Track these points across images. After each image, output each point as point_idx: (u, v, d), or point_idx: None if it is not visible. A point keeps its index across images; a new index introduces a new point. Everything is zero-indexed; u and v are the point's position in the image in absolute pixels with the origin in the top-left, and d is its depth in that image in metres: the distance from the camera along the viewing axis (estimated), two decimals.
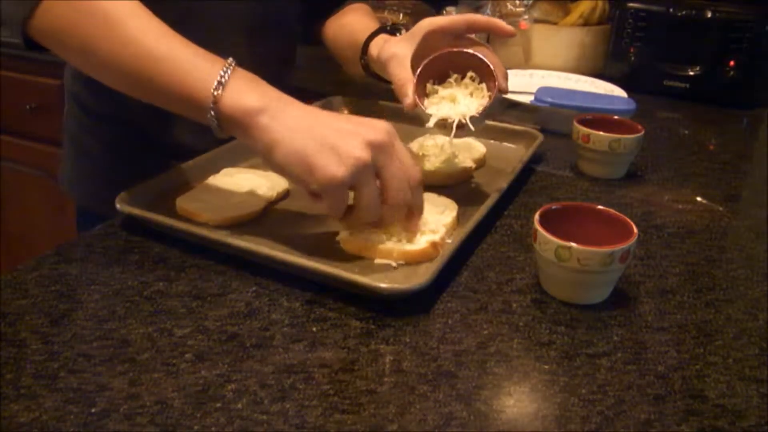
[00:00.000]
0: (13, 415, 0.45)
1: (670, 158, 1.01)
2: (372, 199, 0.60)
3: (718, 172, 0.96)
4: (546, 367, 0.52)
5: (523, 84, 1.27)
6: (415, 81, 0.74)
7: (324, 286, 0.60)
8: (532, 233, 0.61)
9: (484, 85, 0.76)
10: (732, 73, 1.27)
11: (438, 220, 0.68)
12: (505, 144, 0.97)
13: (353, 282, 0.58)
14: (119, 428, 0.44)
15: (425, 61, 0.75)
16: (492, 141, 0.96)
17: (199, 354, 0.51)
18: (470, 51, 0.74)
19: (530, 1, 1.40)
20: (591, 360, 0.53)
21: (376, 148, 0.58)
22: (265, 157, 0.60)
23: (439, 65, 0.76)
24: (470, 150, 0.89)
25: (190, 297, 0.59)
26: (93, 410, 0.45)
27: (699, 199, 0.86)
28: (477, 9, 1.46)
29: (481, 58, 0.73)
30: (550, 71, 1.36)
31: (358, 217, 0.61)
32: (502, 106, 1.19)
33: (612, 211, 0.63)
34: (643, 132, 0.87)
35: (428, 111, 0.74)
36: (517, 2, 1.40)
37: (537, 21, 1.41)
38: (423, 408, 0.47)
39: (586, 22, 1.41)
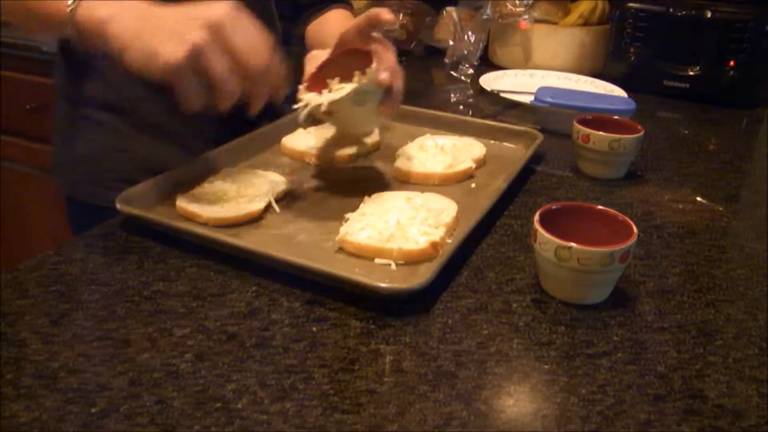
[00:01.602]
0: (13, 415, 0.45)
1: (670, 158, 1.01)
2: (222, 74, 0.60)
3: (718, 172, 0.96)
4: (546, 367, 0.52)
5: (523, 84, 1.27)
6: (309, 77, 0.76)
7: (324, 286, 0.60)
8: (532, 233, 0.61)
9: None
10: (732, 73, 1.27)
11: (438, 220, 0.68)
12: (505, 144, 0.97)
13: (353, 282, 0.58)
14: (119, 428, 0.44)
15: (322, 61, 0.77)
16: (492, 141, 0.96)
17: (199, 354, 0.51)
18: (360, 48, 0.74)
19: (530, 1, 1.40)
20: (591, 360, 0.53)
21: (214, 26, 0.60)
22: (122, 63, 0.62)
23: (348, 64, 0.75)
24: (470, 150, 0.89)
25: (190, 297, 0.59)
26: (93, 410, 0.45)
27: (699, 199, 0.86)
28: (477, 9, 1.46)
29: (372, 54, 0.73)
30: (550, 71, 1.36)
31: (220, 98, 0.62)
32: (502, 106, 1.19)
33: (612, 211, 0.63)
34: (643, 132, 0.87)
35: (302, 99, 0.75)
36: (517, 2, 1.40)
37: (537, 21, 1.41)
38: (423, 408, 0.47)
39: (586, 22, 1.41)
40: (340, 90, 0.72)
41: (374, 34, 0.77)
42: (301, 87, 0.76)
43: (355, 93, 0.70)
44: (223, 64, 0.61)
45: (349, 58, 0.75)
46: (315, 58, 0.80)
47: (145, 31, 0.61)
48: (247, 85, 0.63)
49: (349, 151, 0.88)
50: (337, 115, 0.74)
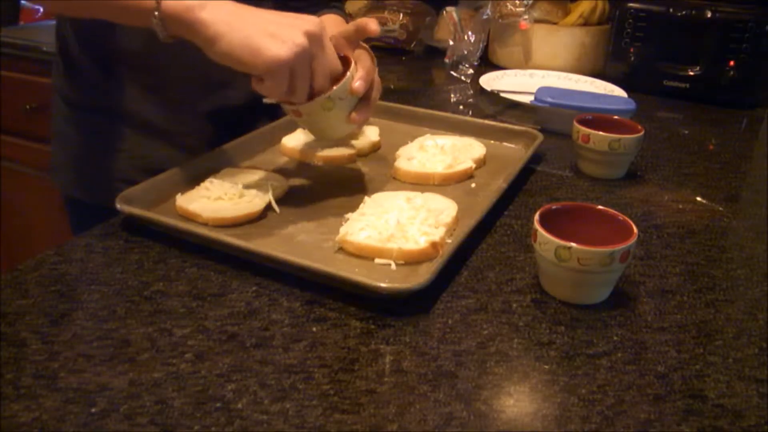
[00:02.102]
0: (13, 415, 0.45)
1: (670, 158, 1.01)
2: (305, 83, 0.67)
3: (718, 172, 0.96)
4: (546, 367, 0.52)
5: (523, 84, 1.27)
6: None
7: (324, 286, 0.60)
8: (532, 233, 0.61)
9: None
10: (732, 73, 1.27)
11: (438, 220, 0.68)
12: (505, 144, 0.97)
13: (353, 282, 0.58)
14: (119, 428, 0.44)
15: None
16: (492, 141, 0.96)
17: (199, 354, 0.51)
18: (343, 55, 0.74)
19: (530, 1, 1.40)
20: (591, 360, 0.53)
21: (312, 37, 0.65)
22: (209, 49, 0.65)
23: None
24: (470, 150, 0.89)
25: (190, 297, 0.59)
26: (93, 410, 0.45)
27: (699, 199, 0.86)
28: (477, 9, 1.46)
29: (350, 61, 0.74)
30: (550, 71, 1.36)
31: (288, 100, 0.68)
32: (502, 106, 1.19)
33: (612, 211, 0.63)
34: (643, 132, 0.87)
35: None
36: (517, 2, 1.40)
37: (537, 21, 1.41)
38: (423, 408, 0.47)
39: (586, 22, 1.41)
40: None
41: (362, 42, 0.77)
42: None
43: (326, 98, 0.70)
44: (308, 76, 0.66)
45: None
46: None
47: (244, 25, 0.64)
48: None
49: (349, 151, 0.87)
50: (306, 117, 0.75)
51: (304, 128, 0.86)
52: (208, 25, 0.64)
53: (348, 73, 0.71)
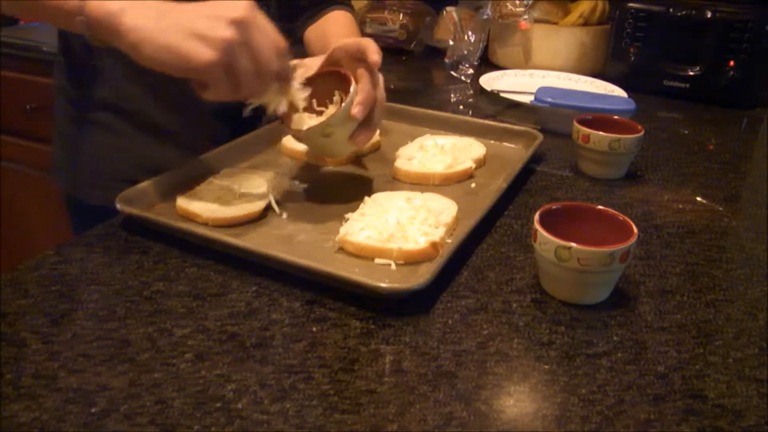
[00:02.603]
0: (13, 415, 0.45)
1: (670, 158, 1.01)
2: (248, 71, 0.62)
3: (718, 172, 0.96)
4: (546, 367, 0.52)
5: (523, 84, 1.27)
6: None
7: (324, 286, 0.60)
8: (532, 233, 0.61)
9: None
10: (732, 73, 1.27)
11: (438, 220, 0.68)
12: (505, 144, 0.97)
13: (353, 282, 0.58)
14: (119, 428, 0.44)
15: (303, 80, 0.75)
16: (492, 141, 0.96)
17: (199, 354, 0.51)
18: (339, 70, 0.74)
19: (530, 1, 1.40)
20: (591, 360, 0.53)
21: (240, 24, 0.61)
22: (135, 57, 0.63)
23: (331, 83, 0.75)
24: (470, 150, 0.89)
25: (190, 297, 0.59)
26: (93, 410, 0.45)
27: (699, 199, 0.86)
28: (477, 9, 1.46)
29: (351, 83, 0.72)
30: (550, 71, 1.36)
31: (239, 93, 0.64)
32: (502, 106, 1.19)
33: (612, 211, 0.63)
34: (643, 132, 0.87)
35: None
36: (517, 2, 1.40)
37: (537, 21, 1.41)
38: (423, 408, 0.47)
39: (586, 22, 1.41)
40: (317, 117, 0.72)
41: (372, 56, 0.75)
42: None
43: (324, 125, 0.70)
44: (249, 62, 0.62)
45: (332, 76, 0.75)
46: (303, 67, 0.78)
47: (166, 27, 0.61)
48: (262, 80, 0.65)
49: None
50: (306, 141, 0.75)
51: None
52: (129, 30, 0.62)
53: (348, 98, 0.70)
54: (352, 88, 0.71)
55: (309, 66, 0.78)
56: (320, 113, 0.76)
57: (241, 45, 0.61)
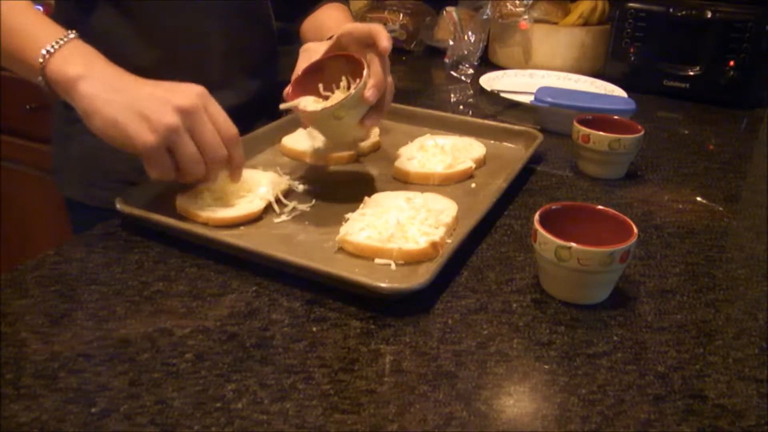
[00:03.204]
0: (13, 415, 0.45)
1: (670, 158, 1.01)
2: (190, 158, 0.64)
3: (718, 172, 0.96)
4: (546, 367, 0.52)
5: (523, 84, 1.27)
6: (293, 81, 0.77)
7: (324, 286, 0.60)
8: (532, 233, 0.61)
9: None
10: (732, 73, 1.27)
11: (438, 220, 0.68)
12: (505, 144, 0.97)
13: (353, 282, 0.58)
14: (119, 428, 0.44)
15: (309, 63, 0.77)
16: (492, 141, 0.96)
17: (199, 354, 0.51)
18: (351, 54, 0.74)
19: (530, 1, 1.40)
20: (591, 360, 0.53)
21: (185, 112, 0.62)
22: (86, 123, 0.64)
23: (338, 67, 0.76)
24: (470, 150, 0.89)
25: (190, 297, 0.59)
26: (93, 410, 0.45)
27: (699, 199, 0.86)
28: (477, 9, 1.46)
29: (363, 66, 0.73)
30: (550, 71, 1.36)
31: (183, 177, 0.66)
32: (502, 106, 1.19)
33: (612, 211, 0.63)
34: (643, 132, 0.87)
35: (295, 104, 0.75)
36: (517, 2, 1.40)
37: (537, 21, 1.41)
38: (423, 408, 0.47)
39: (586, 22, 1.41)
40: (324, 102, 0.73)
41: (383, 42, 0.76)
42: (286, 90, 0.76)
43: (338, 107, 0.70)
44: (191, 148, 0.64)
45: (339, 61, 0.75)
46: (308, 52, 0.80)
47: (116, 103, 0.63)
48: (208, 167, 0.66)
49: (349, 151, 0.88)
50: (316, 124, 0.75)
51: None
52: (83, 98, 0.63)
53: (360, 81, 0.70)
54: (365, 72, 0.71)
55: (312, 49, 0.78)
56: (326, 98, 0.76)
57: (183, 132, 0.62)
